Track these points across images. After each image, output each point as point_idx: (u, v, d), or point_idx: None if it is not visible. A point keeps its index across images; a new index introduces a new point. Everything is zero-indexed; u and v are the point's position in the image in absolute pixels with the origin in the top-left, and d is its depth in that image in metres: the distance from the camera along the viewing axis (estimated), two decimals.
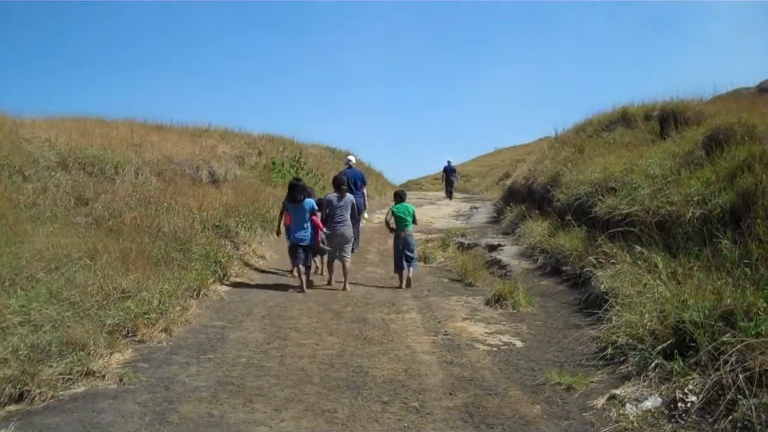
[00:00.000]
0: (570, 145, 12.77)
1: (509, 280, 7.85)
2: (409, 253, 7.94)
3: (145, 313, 5.26)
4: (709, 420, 3.30)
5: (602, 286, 5.87)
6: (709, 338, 3.79)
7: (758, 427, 3.05)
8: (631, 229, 6.13)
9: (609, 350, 4.55)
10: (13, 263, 5.49)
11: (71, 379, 3.98)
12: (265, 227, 10.33)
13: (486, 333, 5.76)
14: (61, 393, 3.83)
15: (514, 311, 6.56)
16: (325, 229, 7.68)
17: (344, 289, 7.62)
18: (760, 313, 3.76)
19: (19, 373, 3.75)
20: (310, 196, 7.77)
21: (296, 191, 7.51)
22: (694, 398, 3.47)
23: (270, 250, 9.73)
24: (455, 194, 23.67)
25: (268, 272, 8.64)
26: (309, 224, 7.54)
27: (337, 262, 7.90)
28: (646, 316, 4.49)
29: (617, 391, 3.88)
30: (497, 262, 9.27)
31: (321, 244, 7.68)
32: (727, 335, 3.66)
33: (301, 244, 7.47)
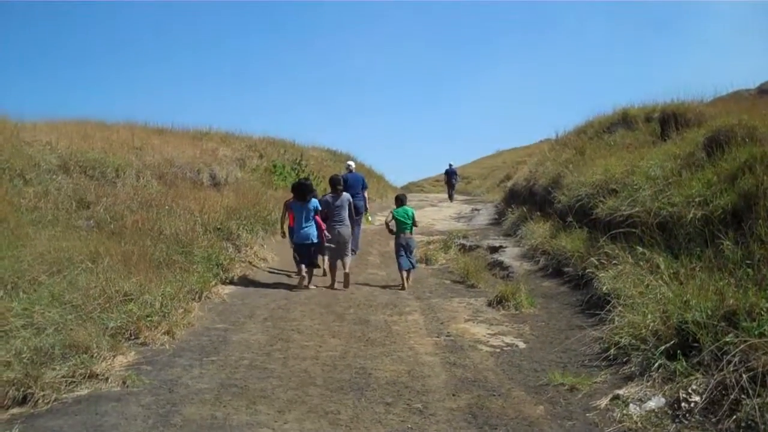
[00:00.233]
0: (571, 146, 12.78)
1: (511, 282, 7.85)
2: (409, 255, 8.12)
3: (147, 316, 5.26)
4: (713, 420, 3.30)
5: (604, 287, 5.87)
6: (712, 338, 3.79)
7: (762, 426, 3.05)
8: (633, 230, 6.13)
9: (612, 351, 4.55)
10: (15, 266, 5.49)
11: (74, 381, 3.98)
12: (266, 230, 10.35)
13: (489, 334, 5.76)
14: (64, 396, 3.82)
15: (517, 312, 6.56)
16: (325, 231, 7.83)
17: (345, 287, 7.71)
18: (762, 313, 3.76)
19: (22, 376, 3.75)
20: (314, 196, 7.97)
21: (306, 190, 7.72)
22: (697, 398, 3.47)
23: (271, 253, 9.74)
24: (456, 196, 23.72)
25: (270, 274, 8.65)
26: (313, 222, 7.71)
27: (338, 264, 7.98)
28: (649, 316, 4.49)
29: (620, 392, 3.88)
30: (499, 264, 9.27)
31: (326, 243, 7.83)
32: (730, 335, 3.66)
33: (307, 242, 7.62)
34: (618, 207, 7.18)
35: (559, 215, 9.22)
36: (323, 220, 7.90)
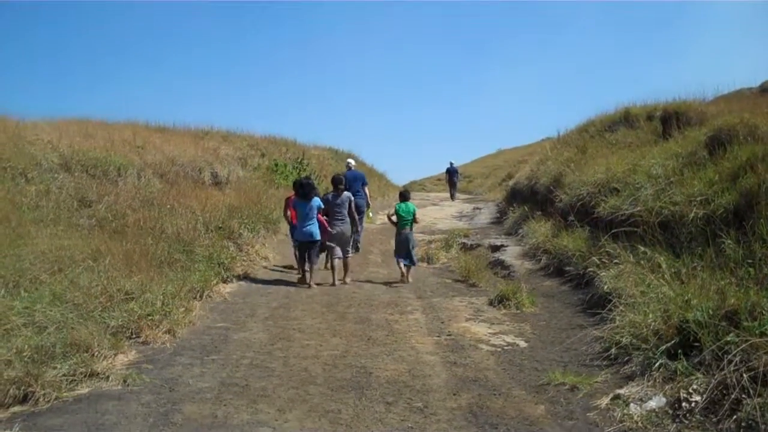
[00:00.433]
0: (572, 145, 12.78)
1: (512, 281, 7.86)
2: (410, 249, 8.26)
3: (148, 315, 5.27)
4: (714, 420, 3.29)
5: (606, 287, 5.86)
6: (713, 338, 3.78)
7: (763, 426, 3.04)
8: (635, 229, 6.12)
9: (613, 350, 4.55)
10: (16, 265, 5.50)
11: (75, 380, 3.99)
12: (268, 228, 10.36)
13: (490, 333, 5.76)
14: (65, 394, 3.83)
15: (518, 312, 6.56)
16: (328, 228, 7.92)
17: (345, 283, 7.84)
18: (764, 312, 3.76)
19: (23, 375, 3.75)
20: (316, 195, 8.03)
21: (309, 189, 7.78)
22: (698, 398, 3.47)
23: (273, 251, 9.76)
24: (458, 195, 23.71)
25: (272, 273, 8.66)
26: (316, 221, 7.80)
27: (338, 262, 8.05)
28: (650, 316, 4.48)
29: (621, 391, 3.87)
30: (500, 263, 9.27)
31: (328, 242, 7.92)
32: (731, 335, 3.65)
33: (310, 240, 7.71)
34: (619, 206, 7.18)
35: (561, 214, 9.21)
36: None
